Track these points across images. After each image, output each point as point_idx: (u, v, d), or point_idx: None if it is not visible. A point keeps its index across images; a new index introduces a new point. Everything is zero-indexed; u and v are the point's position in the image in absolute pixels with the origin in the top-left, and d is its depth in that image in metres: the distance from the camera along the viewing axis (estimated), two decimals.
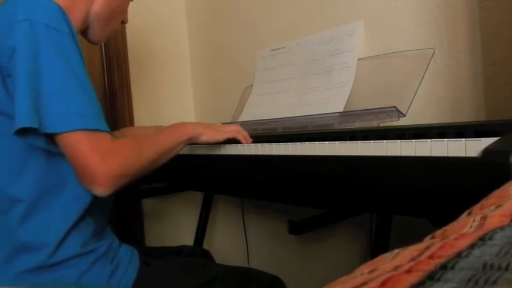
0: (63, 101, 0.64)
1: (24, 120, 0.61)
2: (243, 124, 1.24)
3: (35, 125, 0.61)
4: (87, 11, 0.82)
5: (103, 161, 0.64)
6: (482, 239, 0.21)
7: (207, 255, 1.12)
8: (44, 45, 0.64)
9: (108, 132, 0.68)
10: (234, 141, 0.91)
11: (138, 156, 0.71)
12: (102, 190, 0.65)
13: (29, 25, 0.64)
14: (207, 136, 0.84)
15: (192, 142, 0.83)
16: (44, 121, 0.63)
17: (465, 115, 0.92)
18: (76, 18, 0.78)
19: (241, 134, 0.88)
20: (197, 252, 1.08)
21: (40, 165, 0.71)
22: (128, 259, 0.79)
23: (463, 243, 0.21)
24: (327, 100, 1.06)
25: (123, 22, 0.94)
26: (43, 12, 0.66)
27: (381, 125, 0.93)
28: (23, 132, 0.62)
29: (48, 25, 0.65)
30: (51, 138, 0.66)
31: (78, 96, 0.66)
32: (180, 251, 1.02)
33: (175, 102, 1.75)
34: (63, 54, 0.66)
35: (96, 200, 0.76)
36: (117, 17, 0.90)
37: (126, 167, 0.67)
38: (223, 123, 1.34)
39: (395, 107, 0.86)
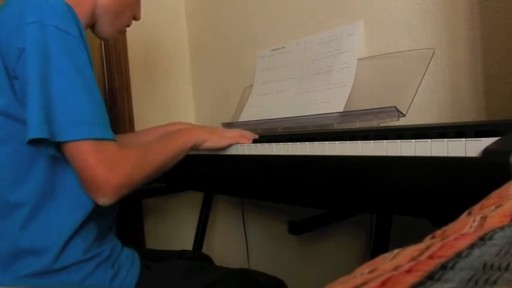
0: (71, 110, 0.64)
1: (35, 131, 0.60)
2: (243, 124, 1.24)
3: (45, 136, 0.61)
4: (94, 4, 0.81)
5: (109, 171, 0.64)
6: (482, 239, 0.21)
7: (208, 260, 1.11)
8: (54, 49, 0.64)
9: (113, 140, 0.68)
10: None
11: (144, 164, 0.71)
12: (106, 200, 0.65)
13: (39, 27, 0.63)
14: (210, 143, 0.85)
15: (195, 148, 0.83)
16: (53, 129, 0.62)
17: (465, 115, 0.92)
18: (83, 12, 0.77)
19: (244, 138, 0.88)
20: (197, 257, 1.08)
21: (43, 170, 0.70)
22: (129, 263, 0.79)
23: (463, 243, 0.21)
24: (327, 100, 1.06)
25: (135, 19, 0.92)
26: (53, 14, 0.65)
27: (380, 125, 0.93)
28: (35, 141, 0.62)
29: (59, 27, 0.64)
30: (59, 146, 0.65)
31: (86, 103, 0.66)
32: (181, 255, 1.02)
33: (175, 103, 1.75)
34: (73, 59, 0.66)
35: (97, 206, 0.76)
36: (127, 11, 0.87)
37: (132, 176, 0.67)
38: (222, 123, 1.35)
39: (395, 107, 0.86)
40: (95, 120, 0.66)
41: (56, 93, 0.63)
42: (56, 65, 0.64)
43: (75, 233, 0.72)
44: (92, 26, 0.85)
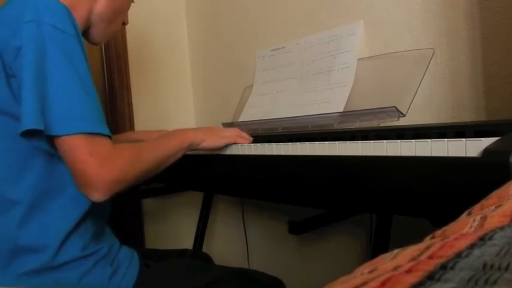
0: (66, 104, 0.64)
1: (30, 122, 0.60)
2: (243, 124, 1.24)
3: (40, 127, 0.61)
4: (90, 10, 0.82)
5: (101, 166, 0.63)
6: (482, 239, 0.21)
7: (207, 259, 1.11)
8: (50, 47, 0.64)
9: (108, 137, 0.68)
10: None
11: (137, 162, 0.70)
12: (98, 196, 0.64)
13: (35, 26, 0.63)
14: (207, 143, 0.85)
15: (192, 149, 0.83)
16: (47, 123, 0.62)
17: (465, 115, 0.92)
18: (79, 18, 0.78)
19: (241, 138, 0.88)
20: (198, 256, 1.08)
21: (40, 167, 0.70)
22: (128, 261, 0.79)
23: (463, 243, 0.21)
24: (327, 100, 1.06)
25: (124, 23, 0.94)
26: (50, 13, 0.65)
27: (380, 125, 0.93)
28: (28, 134, 0.62)
29: (56, 26, 0.65)
30: (52, 140, 0.65)
31: (81, 99, 0.66)
32: (181, 255, 1.02)
33: (176, 102, 1.75)
34: (69, 56, 0.66)
35: (95, 203, 0.76)
36: (119, 17, 0.90)
37: (125, 173, 0.67)
38: (222, 124, 1.35)
39: (395, 107, 0.86)
40: (89, 115, 0.66)
41: (51, 89, 0.63)
42: (52, 62, 0.64)
43: (73, 230, 0.72)
44: (84, 31, 0.86)
